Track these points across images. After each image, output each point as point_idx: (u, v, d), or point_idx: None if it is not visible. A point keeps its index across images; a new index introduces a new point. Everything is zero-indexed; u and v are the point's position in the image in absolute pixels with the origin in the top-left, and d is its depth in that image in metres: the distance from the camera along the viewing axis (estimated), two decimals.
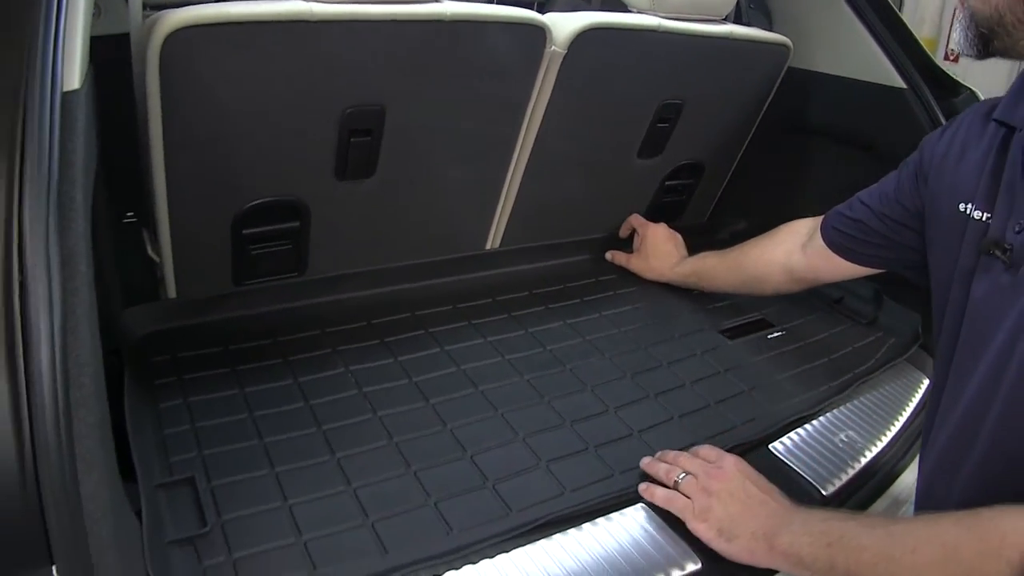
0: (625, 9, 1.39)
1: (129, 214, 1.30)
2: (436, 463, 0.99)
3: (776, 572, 0.85)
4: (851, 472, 1.08)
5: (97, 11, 1.04)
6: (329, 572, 0.81)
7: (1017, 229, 0.79)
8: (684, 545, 0.89)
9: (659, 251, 1.59)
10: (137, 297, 1.23)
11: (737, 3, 1.63)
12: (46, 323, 0.56)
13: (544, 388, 1.18)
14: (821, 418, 1.18)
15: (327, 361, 1.18)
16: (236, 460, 0.95)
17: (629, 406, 1.16)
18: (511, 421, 1.09)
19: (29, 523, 0.56)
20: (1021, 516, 0.67)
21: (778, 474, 1.04)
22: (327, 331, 1.26)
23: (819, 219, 1.21)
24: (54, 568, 0.57)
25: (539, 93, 1.32)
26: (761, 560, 0.84)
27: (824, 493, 1.03)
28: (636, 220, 1.66)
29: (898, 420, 1.20)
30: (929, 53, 1.43)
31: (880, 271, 1.16)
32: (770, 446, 1.10)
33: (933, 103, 1.37)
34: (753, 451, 1.09)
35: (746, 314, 1.48)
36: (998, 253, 0.80)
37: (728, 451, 1.06)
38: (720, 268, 1.44)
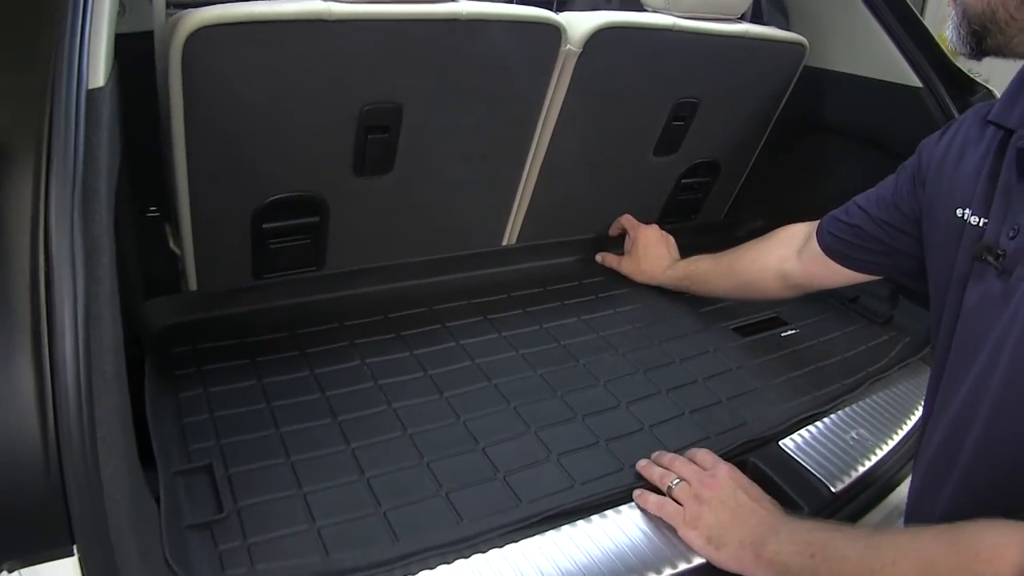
0: (641, 8, 1.39)
1: (152, 208, 1.32)
2: (448, 454, 1.01)
3: None
4: (861, 470, 1.07)
5: (122, 9, 1.06)
6: (342, 558, 0.83)
7: (1011, 234, 0.76)
8: None
9: (650, 254, 1.54)
10: (159, 289, 1.26)
11: (758, 2, 1.63)
12: (70, 311, 0.58)
13: (557, 382, 1.19)
14: (832, 416, 1.18)
15: (344, 354, 1.20)
16: (253, 449, 0.97)
17: (641, 401, 1.16)
18: (523, 414, 1.10)
19: (52, 504, 0.57)
20: (997, 532, 0.66)
21: (788, 471, 1.05)
22: (344, 324, 1.28)
23: (815, 224, 1.17)
24: (75, 548, 0.59)
25: (555, 91, 1.33)
26: (748, 568, 0.84)
27: (833, 490, 1.03)
28: (627, 221, 1.62)
29: (909, 419, 1.20)
30: (947, 52, 1.42)
31: (879, 277, 1.13)
32: (780, 443, 1.11)
33: (949, 102, 1.37)
34: (763, 447, 1.09)
35: (760, 312, 1.47)
36: (991, 259, 0.77)
37: (738, 447, 1.07)
38: (713, 272, 1.40)
